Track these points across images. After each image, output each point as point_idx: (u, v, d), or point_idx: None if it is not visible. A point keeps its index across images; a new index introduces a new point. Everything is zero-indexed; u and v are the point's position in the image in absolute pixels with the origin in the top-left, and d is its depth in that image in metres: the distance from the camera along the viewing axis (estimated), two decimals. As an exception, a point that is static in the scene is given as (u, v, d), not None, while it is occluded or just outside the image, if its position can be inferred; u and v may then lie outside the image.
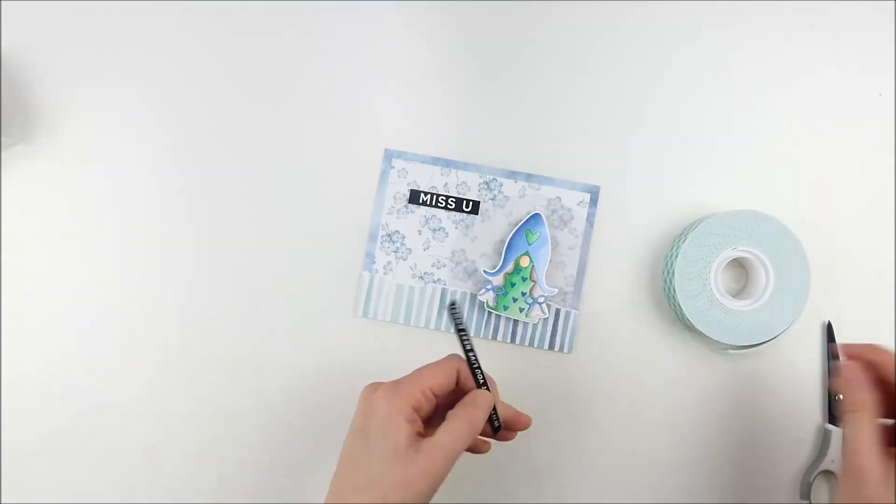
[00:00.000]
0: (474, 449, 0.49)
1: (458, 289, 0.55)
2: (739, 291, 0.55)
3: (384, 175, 0.55)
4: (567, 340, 0.55)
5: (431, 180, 0.55)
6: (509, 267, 0.54)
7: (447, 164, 0.55)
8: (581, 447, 0.55)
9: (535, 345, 0.55)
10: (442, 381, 0.45)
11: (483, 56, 0.56)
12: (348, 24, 0.56)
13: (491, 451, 0.54)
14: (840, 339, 0.55)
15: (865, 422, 0.42)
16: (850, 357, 0.46)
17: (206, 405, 0.54)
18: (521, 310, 0.54)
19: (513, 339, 0.55)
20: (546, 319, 0.55)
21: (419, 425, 0.44)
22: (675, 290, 0.52)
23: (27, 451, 0.54)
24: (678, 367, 0.55)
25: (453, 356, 0.46)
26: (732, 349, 0.54)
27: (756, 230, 0.52)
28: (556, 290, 0.54)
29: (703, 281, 0.52)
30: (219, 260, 0.55)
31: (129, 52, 0.56)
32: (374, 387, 0.44)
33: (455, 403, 0.44)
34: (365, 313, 0.55)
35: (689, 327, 0.53)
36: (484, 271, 0.54)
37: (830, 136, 0.56)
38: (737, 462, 0.55)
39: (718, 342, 0.52)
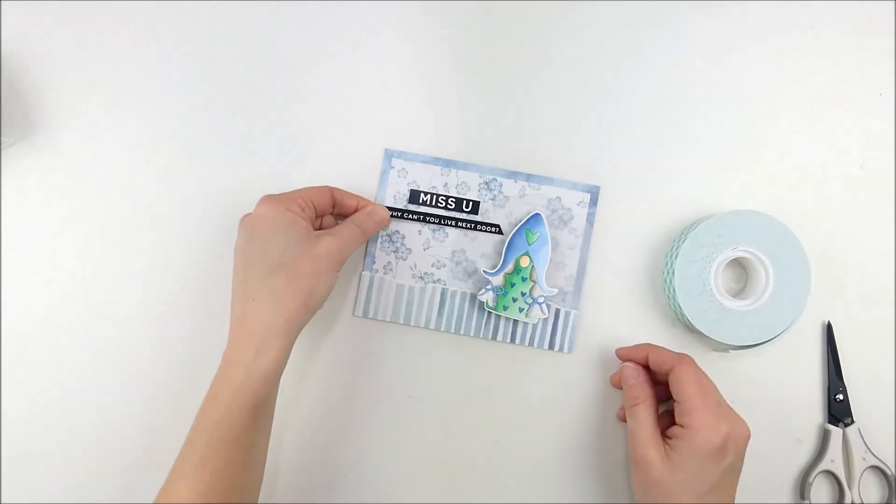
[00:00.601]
0: None
1: (459, 289, 0.55)
2: (739, 291, 0.55)
3: (384, 175, 0.55)
4: (567, 340, 0.55)
5: (431, 180, 0.55)
6: (509, 267, 0.54)
7: (447, 164, 0.55)
8: (581, 447, 0.55)
9: (535, 345, 0.55)
10: (316, 197, 0.50)
11: (483, 56, 0.56)
12: (348, 24, 0.56)
13: (491, 451, 0.54)
14: (840, 339, 0.55)
15: (642, 415, 0.48)
16: (625, 358, 0.52)
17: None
18: (521, 310, 0.54)
19: (513, 339, 0.55)
20: (546, 319, 0.55)
21: (309, 224, 0.48)
22: (675, 290, 0.52)
23: (27, 451, 0.54)
24: (678, 367, 0.55)
25: (326, 186, 0.52)
26: (732, 349, 0.54)
27: (756, 230, 0.52)
28: (556, 291, 0.54)
29: (703, 281, 0.52)
30: (220, 259, 0.55)
31: (129, 52, 0.56)
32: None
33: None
34: (365, 313, 0.55)
35: (689, 327, 0.53)
36: (484, 271, 0.54)
37: (831, 137, 0.56)
38: (737, 462, 0.55)
39: (718, 342, 0.52)
